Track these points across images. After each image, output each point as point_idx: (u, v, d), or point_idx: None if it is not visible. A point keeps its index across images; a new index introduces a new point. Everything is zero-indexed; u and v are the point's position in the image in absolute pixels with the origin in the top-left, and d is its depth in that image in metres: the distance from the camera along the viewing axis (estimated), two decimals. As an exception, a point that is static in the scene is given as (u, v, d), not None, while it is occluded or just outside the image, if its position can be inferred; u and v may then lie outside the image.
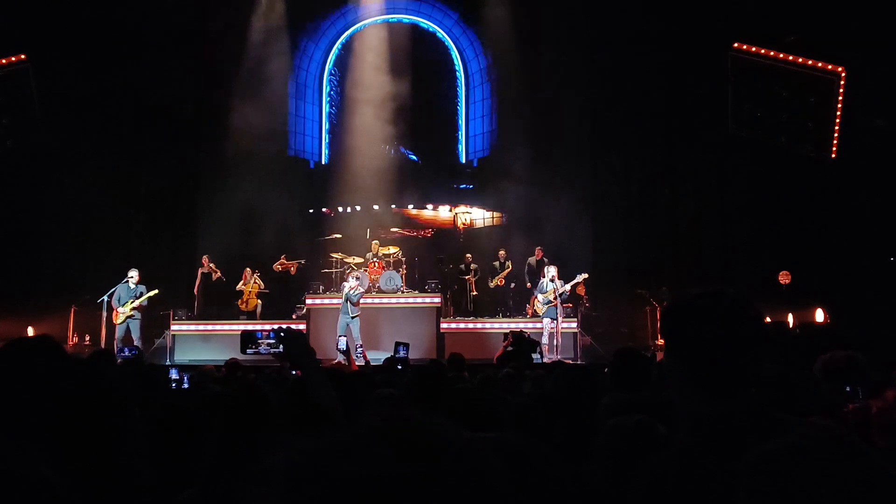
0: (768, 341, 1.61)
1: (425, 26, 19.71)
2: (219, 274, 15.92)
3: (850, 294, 12.53)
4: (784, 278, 13.75)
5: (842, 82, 14.13)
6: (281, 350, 2.36)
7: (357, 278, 14.30)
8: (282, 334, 2.36)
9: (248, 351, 2.50)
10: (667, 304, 1.68)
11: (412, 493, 0.63)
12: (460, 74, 20.15)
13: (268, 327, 2.48)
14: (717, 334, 1.54)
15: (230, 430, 2.00)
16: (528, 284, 15.67)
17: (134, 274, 13.78)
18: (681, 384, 1.59)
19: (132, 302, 13.61)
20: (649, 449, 2.15)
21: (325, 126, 20.02)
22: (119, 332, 13.53)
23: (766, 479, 1.22)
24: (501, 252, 16.34)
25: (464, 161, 19.84)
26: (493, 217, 19.01)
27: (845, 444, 1.36)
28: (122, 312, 13.57)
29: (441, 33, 19.98)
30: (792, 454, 1.28)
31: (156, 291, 14.01)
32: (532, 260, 15.85)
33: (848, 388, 3.16)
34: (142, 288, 13.74)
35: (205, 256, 16.10)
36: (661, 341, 14.25)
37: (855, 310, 11.93)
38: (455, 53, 20.14)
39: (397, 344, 10.46)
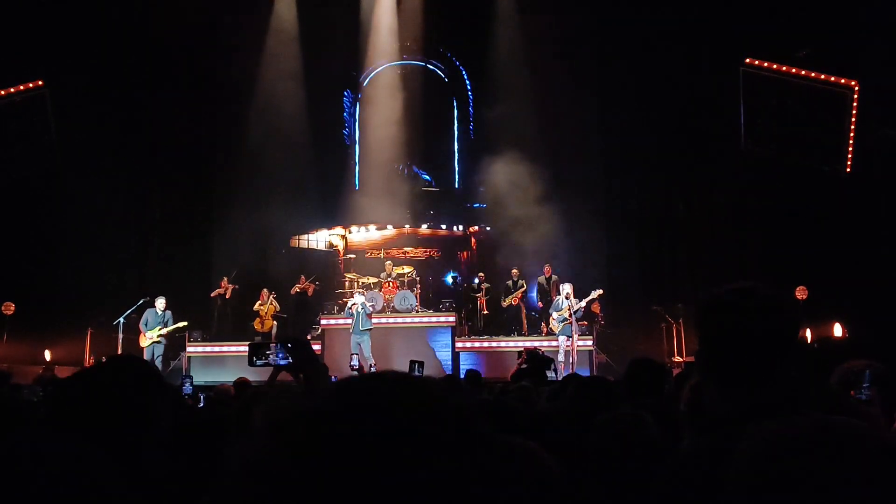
0: (798, 340, 1.61)
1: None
2: (232, 288, 16.02)
3: (868, 308, 12.39)
4: (801, 293, 13.61)
5: (855, 95, 14.06)
6: (290, 361, 2.35)
7: (363, 293, 14.32)
8: (289, 345, 2.35)
9: (258, 362, 2.49)
10: (702, 298, 1.69)
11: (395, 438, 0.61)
12: (472, 93, 20.23)
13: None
14: (747, 328, 1.53)
15: (242, 434, 1.99)
16: (540, 304, 15.62)
17: (161, 301, 14.10)
18: (710, 379, 1.59)
19: (160, 328, 13.92)
20: (640, 446, 2.13)
21: (339, 147, 20.09)
22: (146, 356, 13.73)
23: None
24: (514, 271, 16.29)
25: (477, 180, 19.82)
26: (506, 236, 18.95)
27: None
28: (150, 337, 13.89)
29: (453, 55, 20.10)
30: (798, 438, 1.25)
31: (185, 324, 14.46)
32: (541, 278, 15.81)
33: (863, 396, 3.11)
34: (168, 314, 14.09)
35: (224, 279, 16.19)
36: (677, 358, 14.15)
37: (874, 323, 11.79)
38: (466, 74, 20.23)
39: (412, 363, 10.43)
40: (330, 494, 0.59)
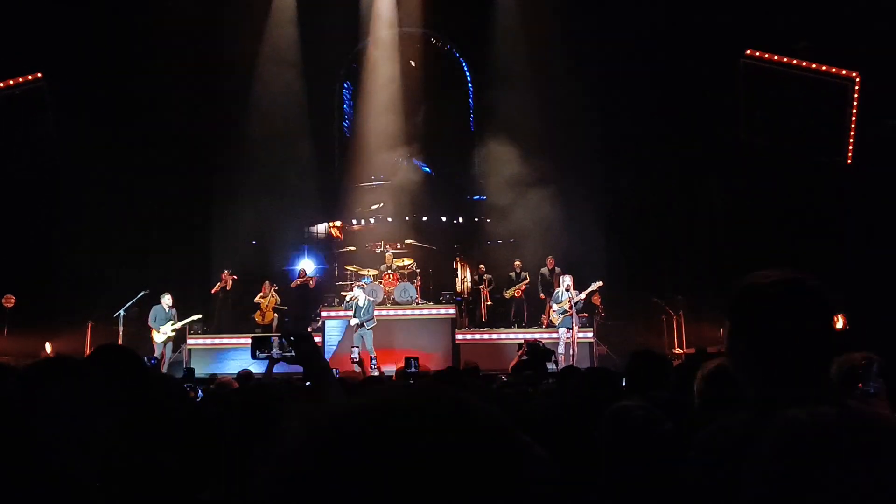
0: (833, 335, 1.58)
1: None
2: (233, 280, 16.08)
3: (869, 300, 12.38)
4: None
5: (856, 87, 14.03)
6: (293, 355, 2.34)
7: (363, 287, 14.32)
8: (291, 338, 2.34)
9: (260, 355, 2.48)
10: (740, 284, 1.64)
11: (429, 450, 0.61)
12: (472, 85, 20.19)
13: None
14: (794, 320, 1.52)
15: (245, 428, 1.99)
16: (542, 295, 15.62)
17: (168, 298, 14.47)
18: (747, 368, 1.57)
19: (172, 323, 14.32)
20: (653, 439, 2.12)
21: (338, 139, 20.06)
22: (158, 351, 14.21)
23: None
24: (517, 263, 16.29)
25: (477, 172, 19.79)
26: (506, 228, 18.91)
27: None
28: (164, 333, 14.30)
29: (452, 46, 20.04)
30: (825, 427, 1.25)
31: (199, 316, 15.02)
32: (545, 270, 15.81)
33: (871, 389, 3.10)
34: (173, 311, 14.49)
35: (224, 272, 16.21)
36: (677, 350, 14.17)
37: (875, 315, 11.78)
38: (466, 65, 20.19)
39: (407, 359, 10.44)
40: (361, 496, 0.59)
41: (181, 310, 14.76)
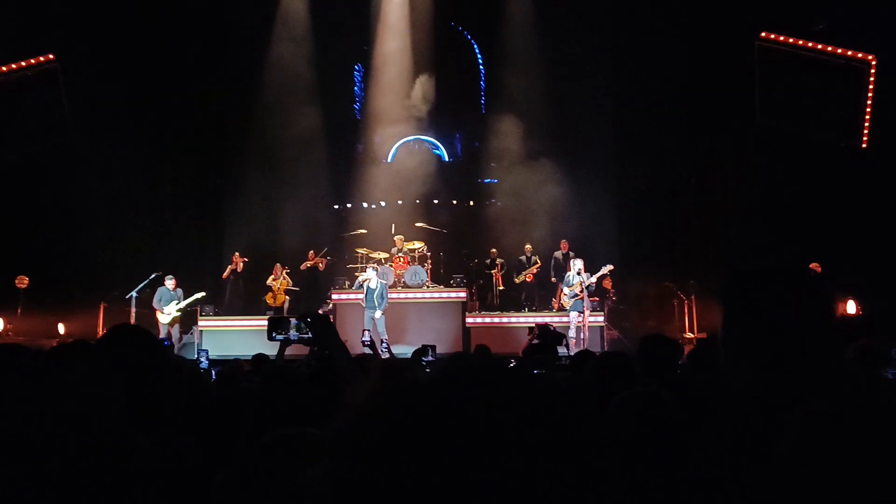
0: (832, 322, 1.56)
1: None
2: (244, 262, 16.16)
3: (882, 285, 12.32)
4: (814, 270, 13.54)
5: (872, 70, 13.89)
6: (310, 336, 2.35)
7: (376, 269, 14.32)
8: (308, 320, 2.35)
9: (277, 337, 2.49)
10: (730, 273, 1.62)
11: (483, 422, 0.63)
12: (483, 67, 20.09)
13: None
14: (784, 308, 1.50)
15: (264, 408, 2.00)
16: (553, 279, 15.59)
17: (171, 281, 14.57)
18: (738, 356, 1.55)
19: (177, 303, 14.48)
20: (661, 426, 2.11)
21: (350, 121, 19.99)
22: (163, 332, 14.35)
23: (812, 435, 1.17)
24: (528, 246, 16.25)
25: (488, 155, 19.68)
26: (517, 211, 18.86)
27: None
28: (169, 314, 14.47)
29: (463, 28, 19.93)
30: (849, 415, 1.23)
31: (203, 294, 14.99)
32: (558, 254, 15.77)
33: (890, 375, 3.09)
34: (180, 291, 14.62)
35: (235, 254, 16.26)
36: (689, 334, 14.14)
37: (888, 300, 11.73)
38: (477, 47, 20.08)
39: (424, 347, 10.39)
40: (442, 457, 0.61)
41: (192, 291, 14.83)
